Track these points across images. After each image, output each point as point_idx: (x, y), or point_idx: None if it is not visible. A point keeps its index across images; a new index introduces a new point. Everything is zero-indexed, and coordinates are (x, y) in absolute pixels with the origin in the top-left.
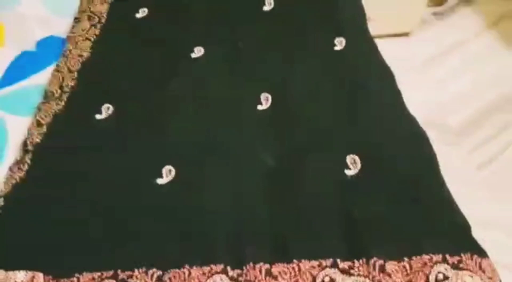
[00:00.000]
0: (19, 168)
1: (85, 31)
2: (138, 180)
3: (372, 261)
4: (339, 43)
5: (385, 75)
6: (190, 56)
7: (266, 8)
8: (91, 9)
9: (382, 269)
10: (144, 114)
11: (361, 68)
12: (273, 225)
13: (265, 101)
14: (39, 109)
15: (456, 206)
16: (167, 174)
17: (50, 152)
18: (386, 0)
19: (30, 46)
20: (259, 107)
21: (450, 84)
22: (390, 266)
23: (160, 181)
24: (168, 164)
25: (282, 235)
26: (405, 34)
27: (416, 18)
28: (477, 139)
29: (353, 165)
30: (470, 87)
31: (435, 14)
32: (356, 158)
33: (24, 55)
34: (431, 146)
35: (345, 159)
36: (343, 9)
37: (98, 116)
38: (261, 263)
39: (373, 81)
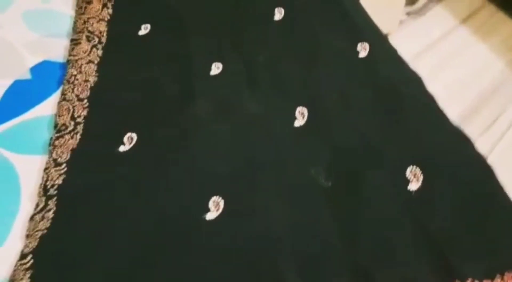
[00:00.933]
0: (43, 217)
1: (86, 54)
2: (184, 218)
3: None
4: (363, 50)
5: (417, 80)
6: (209, 74)
7: (277, 17)
8: (89, 29)
9: None
10: (172, 142)
11: (392, 74)
12: (347, 252)
13: (301, 117)
14: (53, 146)
15: None
16: (215, 207)
17: (77, 192)
18: (366, 2)
19: (23, 74)
20: (296, 123)
21: (435, 82)
22: None
23: (209, 216)
24: (213, 195)
25: (361, 263)
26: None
27: (395, 20)
28: (474, 131)
29: (414, 179)
30: (456, 83)
31: (408, 13)
32: (417, 170)
33: (17, 84)
34: (478, 151)
35: (404, 173)
36: (354, 13)
37: (122, 148)
38: None
39: (407, 87)
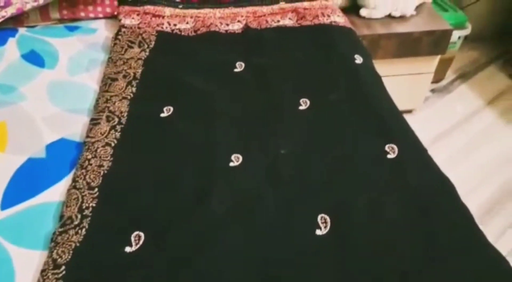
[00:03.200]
0: None
1: (104, 135)
2: None
3: None
4: (391, 151)
5: (447, 188)
6: (228, 165)
7: (302, 107)
8: (110, 109)
9: None
10: (185, 244)
11: (421, 180)
12: None
13: (324, 225)
14: (55, 242)
15: None
16: None
17: None
18: (394, 81)
19: (38, 152)
20: (318, 232)
21: (459, 166)
22: None
23: None
24: None
25: None
26: (409, 111)
27: (421, 97)
28: (499, 226)
29: None
30: (481, 169)
31: (433, 91)
32: None
33: (30, 163)
34: None
35: None
36: (383, 107)
37: (128, 249)
38: None
39: (439, 197)
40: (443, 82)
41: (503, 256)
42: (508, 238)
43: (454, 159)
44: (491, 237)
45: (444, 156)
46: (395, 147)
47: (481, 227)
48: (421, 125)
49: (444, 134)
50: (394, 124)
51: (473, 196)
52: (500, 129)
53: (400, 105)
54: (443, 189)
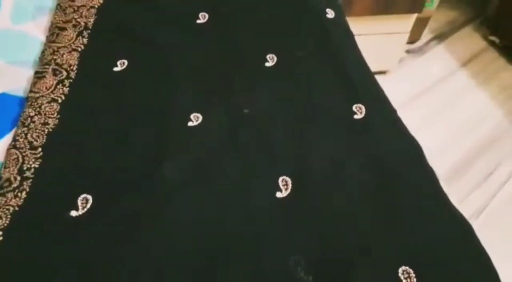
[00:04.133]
0: None
1: (50, 90)
2: None
3: None
4: (359, 111)
5: (414, 152)
6: (187, 125)
7: (269, 64)
8: (57, 61)
9: None
10: (135, 210)
11: (388, 144)
12: None
13: (284, 188)
14: None
15: None
16: None
17: (12, 269)
18: (367, 39)
19: None
20: (278, 194)
21: (432, 127)
22: None
23: None
24: (176, 280)
25: None
26: (383, 72)
27: (395, 58)
28: (466, 186)
29: (407, 280)
30: (453, 130)
31: (408, 51)
32: (411, 272)
33: None
34: (482, 245)
35: (396, 273)
36: (352, 66)
37: (74, 213)
38: None
39: (404, 162)
40: (419, 43)
41: (466, 220)
42: (474, 198)
43: (427, 120)
44: (458, 197)
45: (417, 117)
46: (362, 107)
47: (449, 188)
48: (395, 86)
49: (418, 96)
50: (363, 84)
51: (444, 157)
52: (474, 90)
53: (374, 66)
54: (410, 151)
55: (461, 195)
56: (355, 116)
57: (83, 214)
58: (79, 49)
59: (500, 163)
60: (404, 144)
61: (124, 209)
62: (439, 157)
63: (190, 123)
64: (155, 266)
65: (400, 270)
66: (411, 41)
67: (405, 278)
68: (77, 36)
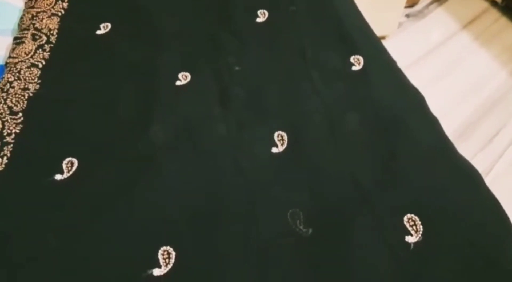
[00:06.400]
0: None
1: (29, 56)
2: (126, 274)
3: None
4: (357, 63)
5: (416, 101)
6: (175, 84)
7: (260, 19)
8: (36, 26)
9: None
10: (119, 177)
11: (388, 94)
12: None
13: (280, 143)
14: None
15: None
16: (166, 261)
17: None
18: (364, 3)
19: None
20: (274, 150)
21: (434, 91)
22: None
23: (157, 272)
24: (165, 244)
25: None
26: (382, 38)
27: (394, 22)
28: (471, 148)
29: (412, 230)
30: (456, 92)
31: (408, 15)
32: (417, 219)
33: None
34: (489, 189)
35: (402, 221)
36: (348, 19)
37: (59, 177)
38: None
39: (405, 111)
40: (418, 7)
41: (472, 166)
42: (480, 161)
43: (429, 85)
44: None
45: (419, 82)
46: (360, 58)
47: None
48: (395, 51)
49: (419, 60)
50: (361, 35)
51: (447, 120)
52: (477, 52)
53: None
54: (411, 100)
55: (466, 157)
56: (353, 68)
57: (69, 177)
58: (59, 14)
59: (505, 124)
60: (404, 94)
61: (111, 172)
62: (443, 120)
63: (178, 83)
64: (144, 229)
65: (405, 218)
66: (410, 4)
67: (411, 226)
68: (57, 1)
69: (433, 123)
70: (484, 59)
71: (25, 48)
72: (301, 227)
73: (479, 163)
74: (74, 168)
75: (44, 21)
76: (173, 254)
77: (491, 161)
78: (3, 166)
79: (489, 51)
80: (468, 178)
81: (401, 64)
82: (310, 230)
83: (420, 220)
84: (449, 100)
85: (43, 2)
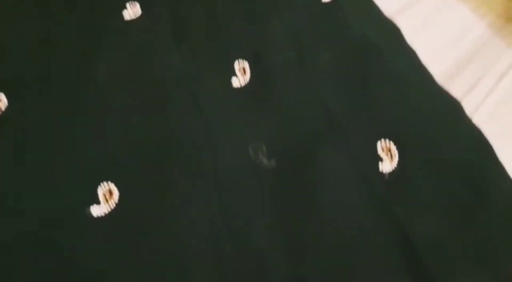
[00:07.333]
0: None
1: None
2: (63, 213)
3: None
4: None
5: (391, 32)
6: (122, 17)
7: None
8: None
9: None
10: (61, 107)
11: (361, 27)
12: (290, 264)
13: (242, 75)
14: None
15: None
16: (106, 198)
17: None
18: None
19: None
20: (234, 81)
21: (420, 36)
22: None
23: (95, 210)
24: (107, 180)
25: (305, 281)
26: None
27: None
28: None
29: (387, 157)
30: (433, 47)
31: None
32: (392, 145)
33: None
34: (471, 119)
35: (374, 149)
36: None
37: None
38: None
39: (380, 40)
40: None
41: (453, 97)
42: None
43: (417, 29)
44: None
45: (406, 26)
46: None
47: None
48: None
49: (392, 17)
50: None
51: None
52: (453, 6)
53: None
54: (386, 32)
55: None
56: (323, 0)
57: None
58: None
59: (484, 75)
60: (379, 24)
61: (51, 113)
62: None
63: (125, 13)
64: (85, 165)
65: (379, 144)
66: None
67: (386, 152)
68: None
69: (409, 53)
70: (464, 11)
71: None
72: (264, 160)
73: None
74: (4, 105)
75: None
76: (116, 190)
77: (469, 113)
78: None
79: (467, 3)
80: (447, 104)
81: (389, 10)
82: (274, 162)
83: (396, 147)
84: (426, 55)
85: None
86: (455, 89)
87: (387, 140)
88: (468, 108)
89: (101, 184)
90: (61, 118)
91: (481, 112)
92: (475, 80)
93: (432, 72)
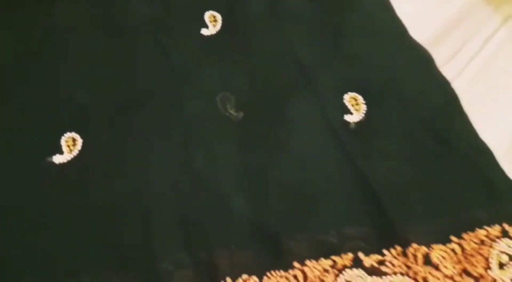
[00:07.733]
0: None
1: None
2: (24, 161)
3: (410, 250)
4: None
5: None
6: None
7: None
8: None
9: (427, 260)
10: (22, 59)
11: None
12: (255, 212)
13: (213, 24)
14: None
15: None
16: (70, 148)
17: None
18: None
19: None
20: (204, 31)
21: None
22: (436, 253)
23: (57, 159)
24: (70, 130)
25: (268, 224)
26: None
27: None
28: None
29: (353, 109)
30: (416, 11)
31: None
32: (359, 98)
33: None
34: (441, 72)
35: (341, 99)
36: None
37: None
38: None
39: None
40: None
41: (423, 48)
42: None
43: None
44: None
45: None
46: None
47: None
48: None
49: None
50: None
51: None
52: None
53: None
54: None
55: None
56: None
57: None
58: None
59: (468, 40)
60: None
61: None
62: (415, 30)
63: None
64: (48, 114)
65: (346, 96)
66: None
67: (353, 105)
68: None
69: (385, 4)
70: None
71: None
72: (232, 111)
73: (444, 73)
74: None
75: None
76: (79, 140)
77: (452, 76)
78: None
79: None
80: (419, 58)
81: None
82: (242, 114)
83: (364, 99)
84: (413, 16)
85: None
86: (440, 53)
87: (355, 93)
88: (451, 73)
89: (65, 134)
90: (23, 67)
91: (463, 77)
92: (460, 45)
93: (417, 37)
